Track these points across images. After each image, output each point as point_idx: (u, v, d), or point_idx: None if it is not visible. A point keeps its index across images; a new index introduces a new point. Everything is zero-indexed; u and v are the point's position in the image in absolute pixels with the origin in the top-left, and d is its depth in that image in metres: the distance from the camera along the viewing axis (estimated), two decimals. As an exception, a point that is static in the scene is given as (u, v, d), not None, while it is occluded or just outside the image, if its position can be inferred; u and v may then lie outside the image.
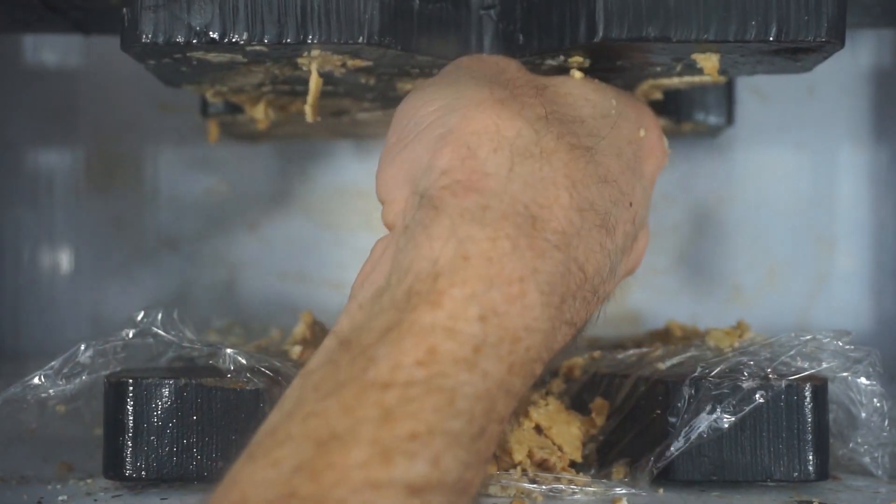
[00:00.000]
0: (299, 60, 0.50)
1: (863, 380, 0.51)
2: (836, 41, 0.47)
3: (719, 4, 0.47)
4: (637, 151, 0.49)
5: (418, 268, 0.40)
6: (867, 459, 0.52)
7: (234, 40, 0.48)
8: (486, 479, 0.48)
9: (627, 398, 0.52)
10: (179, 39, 0.47)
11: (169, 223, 0.83)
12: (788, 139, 0.84)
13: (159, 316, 0.52)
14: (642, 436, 0.51)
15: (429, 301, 0.38)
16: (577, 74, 0.50)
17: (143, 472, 0.49)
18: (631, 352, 0.56)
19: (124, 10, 0.48)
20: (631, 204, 0.47)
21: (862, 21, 0.61)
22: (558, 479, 0.49)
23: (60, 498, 0.49)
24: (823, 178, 0.84)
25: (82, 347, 0.52)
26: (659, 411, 0.50)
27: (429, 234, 0.40)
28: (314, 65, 0.51)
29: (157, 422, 0.49)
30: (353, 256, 0.82)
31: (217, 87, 0.57)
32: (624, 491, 0.49)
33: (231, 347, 0.51)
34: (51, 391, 0.51)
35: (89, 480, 0.52)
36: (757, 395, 0.49)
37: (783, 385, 0.49)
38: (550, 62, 0.51)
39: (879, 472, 0.52)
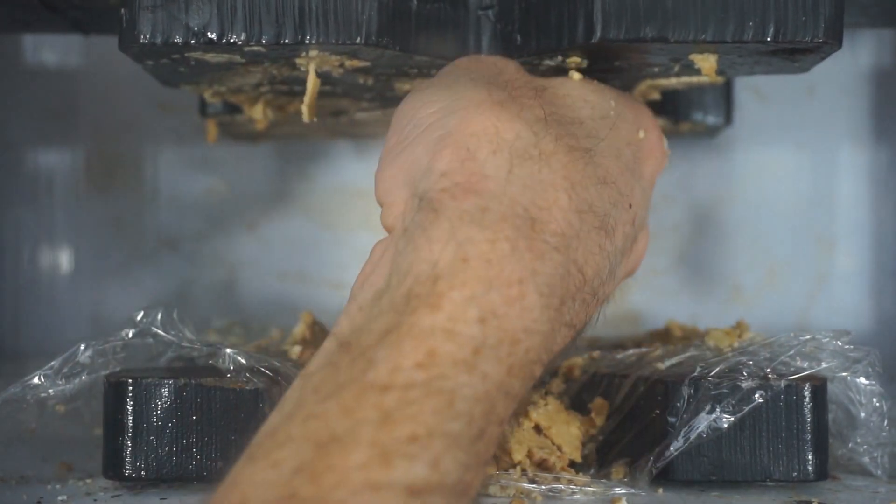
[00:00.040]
0: (297, 61, 0.50)
1: (862, 380, 0.51)
2: (833, 42, 0.47)
3: (717, 5, 0.47)
4: (636, 153, 0.49)
5: (417, 270, 0.40)
6: (866, 459, 0.52)
7: (231, 41, 0.48)
8: (486, 479, 0.48)
9: (627, 398, 0.52)
10: (177, 40, 0.47)
11: (169, 223, 0.83)
12: (788, 139, 0.84)
13: (159, 316, 0.52)
14: (642, 436, 0.51)
15: (428, 303, 0.38)
16: (576, 76, 0.50)
17: (142, 472, 0.49)
18: (630, 352, 0.56)
19: (122, 10, 0.48)
20: (630, 205, 0.47)
21: (861, 21, 0.61)
22: (558, 479, 0.49)
23: (60, 498, 0.49)
24: (823, 178, 0.84)
25: (82, 347, 0.52)
26: (658, 411, 0.50)
27: (428, 237, 0.40)
28: (312, 65, 0.51)
29: (157, 422, 0.49)
30: (353, 256, 0.82)
31: (215, 88, 0.57)
32: (623, 491, 0.49)
33: (231, 347, 0.51)
34: (50, 391, 0.51)
35: (89, 480, 0.52)
36: (756, 395, 0.49)
37: (782, 385, 0.49)
38: (548, 62, 0.51)
39: (879, 472, 0.52)
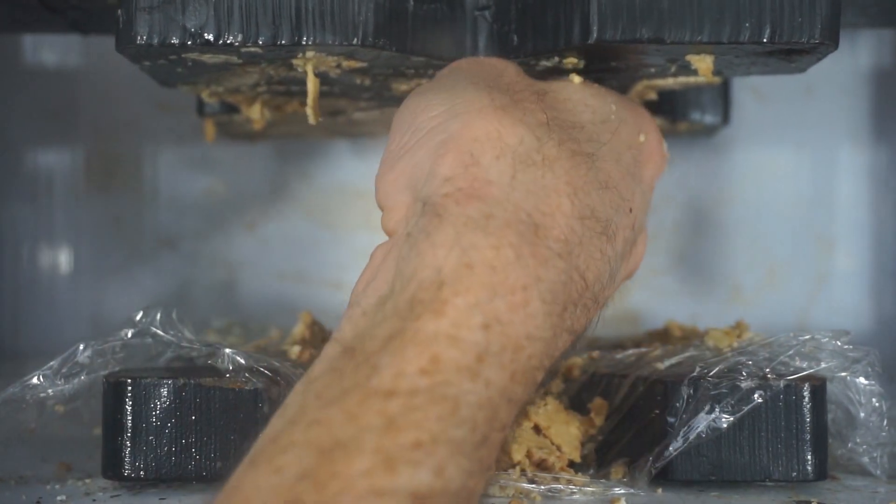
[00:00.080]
0: (294, 61, 0.50)
1: (861, 379, 0.51)
2: (829, 43, 0.47)
3: (713, 6, 0.47)
4: (637, 156, 0.49)
5: (422, 276, 0.40)
6: (866, 459, 0.52)
7: (228, 42, 0.48)
8: (490, 477, 0.48)
9: (626, 398, 0.52)
10: (174, 41, 0.47)
11: (168, 223, 0.83)
12: (788, 139, 0.84)
13: (158, 316, 0.52)
14: (641, 436, 0.51)
15: (432, 310, 0.38)
16: (576, 79, 0.50)
17: (141, 472, 0.49)
18: (630, 352, 0.56)
19: (119, 11, 0.48)
20: (631, 210, 0.47)
21: (860, 21, 0.61)
22: (557, 479, 0.49)
23: (59, 498, 0.49)
24: (823, 178, 0.84)
25: (81, 347, 0.52)
26: (657, 411, 0.50)
27: (432, 242, 0.40)
28: (309, 66, 0.51)
29: (156, 422, 0.49)
30: (353, 256, 0.82)
31: (212, 88, 0.57)
32: (622, 491, 0.49)
33: (230, 347, 0.51)
34: (50, 391, 0.51)
35: (88, 480, 0.52)
36: (755, 395, 0.49)
37: (782, 385, 0.49)
38: (545, 63, 0.51)
39: (878, 472, 0.52)
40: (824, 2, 0.47)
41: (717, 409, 0.49)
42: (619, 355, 0.55)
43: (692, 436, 0.49)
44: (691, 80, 0.55)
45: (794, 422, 0.49)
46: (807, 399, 0.49)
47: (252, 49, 0.48)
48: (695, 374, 0.49)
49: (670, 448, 0.49)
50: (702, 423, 0.49)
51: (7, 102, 0.83)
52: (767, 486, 0.51)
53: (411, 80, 0.56)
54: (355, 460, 0.34)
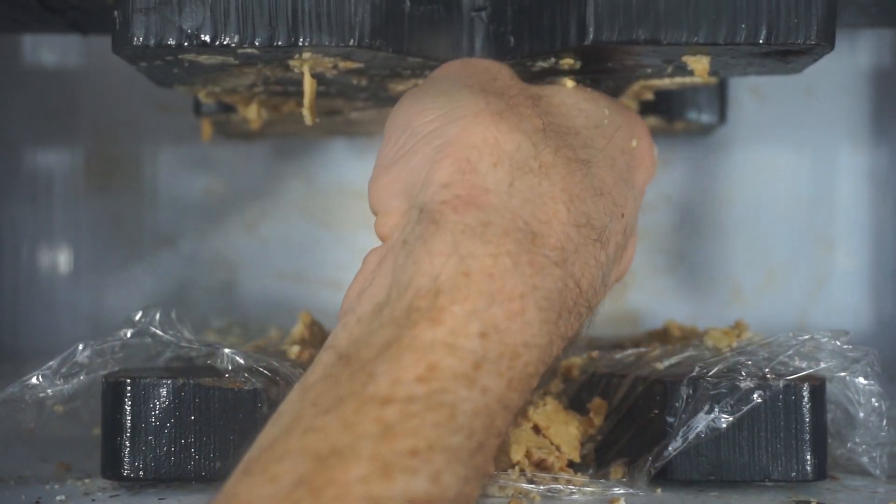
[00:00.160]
0: (291, 62, 0.50)
1: (861, 379, 0.51)
2: (826, 44, 0.47)
3: (709, 7, 0.47)
4: (629, 161, 0.49)
5: (419, 284, 0.40)
6: (865, 459, 0.52)
7: (225, 43, 0.47)
8: (486, 484, 0.48)
9: (625, 398, 0.52)
10: (171, 42, 0.47)
11: (168, 223, 0.83)
12: (788, 139, 0.84)
13: (157, 316, 0.52)
14: (640, 436, 0.51)
15: (429, 317, 0.38)
16: (569, 83, 0.50)
17: (140, 472, 0.49)
18: (629, 352, 0.55)
19: (115, 12, 0.48)
20: (623, 215, 0.47)
21: (860, 21, 0.61)
22: (556, 479, 0.49)
23: (58, 498, 0.49)
24: (823, 178, 0.84)
25: (80, 347, 0.52)
26: (657, 411, 0.50)
27: (429, 250, 0.40)
28: (306, 67, 0.51)
29: (155, 422, 0.49)
30: (352, 256, 0.82)
31: (209, 88, 0.57)
32: (622, 491, 0.49)
33: (229, 347, 0.51)
34: (49, 391, 0.51)
35: (87, 480, 0.52)
36: (755, 395, 0.49)
37: (781, 385, 0.49)
38: (541, 64, 0.51)
39: (877, 472, 0.52)
40: (820, 3, 0.47)
41: (716, 409, 0.49)
42: (619, 355, 0.55)
43: (691, 436, 0.49)
44: (688, 80, 0.55)
45: (793, 422, 0.49)
46: (806, 399, 0.49)
47: (249, 50, 0.48)
48: (694, 374, 0.49)
49: (669, 448, 0.49)
50: (701, 422, 0.49)
51: (7, 102, 0.83)
52: (767, 486, 0.51)
53: (408, 81, 0.56)
54: (352, 467, 0.34)
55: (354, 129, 0.74)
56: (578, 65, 0.51)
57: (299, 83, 0.53)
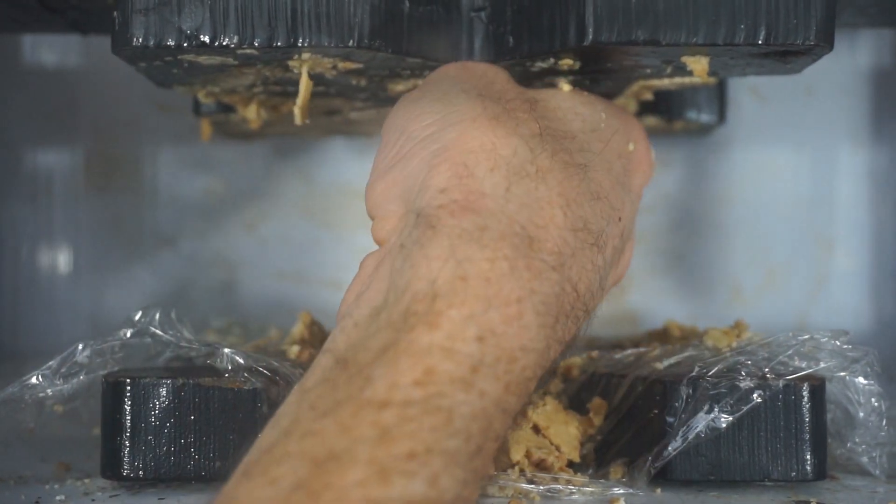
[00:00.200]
0: (290, 63, 0.50)
1: (861, 379, 0.51)
2: (825, 44, 0.47)
3: (708, 8, 0.47)
4: (626, 165, 0.50)
5: (416, 288, 0.40)
6: (865, 459, 0.52)
7: (224, 44, 0.48)
8: (485, 484, 0.48)
9: (625, 398, 0.52)
10: (170, 43, 0.47)
11: (167, 223, 0.83)
12: (787, 139, 0.84)
13: (157, 316, 0.52)
14: (640, 435, 0.51)
15: (426, 322, 0.38)
16: (566, 87, 0.50)
17: (140, 472, 0.49)
18: (629, 351, 0.55)
19: (115, 13, 0.48)
20: (620, 219, 0.47)
21: (860, 21, 0.61)
22: (556, 480, 0.49)
23: (58, 498, 0.49)
24: (823, 178, 0.84)
25: (80, 347, 0.52)
26: (657, 411, 0.50)
27: (426, 254, 0.40)
28: (305, 67, 0.51)
29: (155, 421, 0.49)
30: (352, 256, 0.82)
31: (209, 88, 0.57)
32: (622, 491, 0.49)
33: (229, 347, 0.51)
34: (49, 391, 0.51)
35: (87, 480, 0.52)
36: (754, 395, 0.49)
37: (781, 385, 0.49)
38: (541, 64, 0.51)
39: (877, 472, 0.52)
40: (819, 3, 0.47)
41: (716, 409, 0.49)
42: (619, 355, 0.55)
43: (691, 435, 0.49)
44: (687, 80, 0.55)
45: (793, 422, 0.49)
46: (806, 399, 0.49)
47: (248, 51, 0.48)
48: (694, 373, 0.49)
49: (669, 448, 0.49)
50: (701, 422, 0.49)
51: (7, 102, 0.83)
52: (766, 486, 0.51)
53: (407, 81, 0.56)
54: (349, 471, 0.34)
55: (354, 128, 0.74)
56: (578, 65, 0.51)
57: (298, 83, 0.53)
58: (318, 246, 0.84)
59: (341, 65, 0.51)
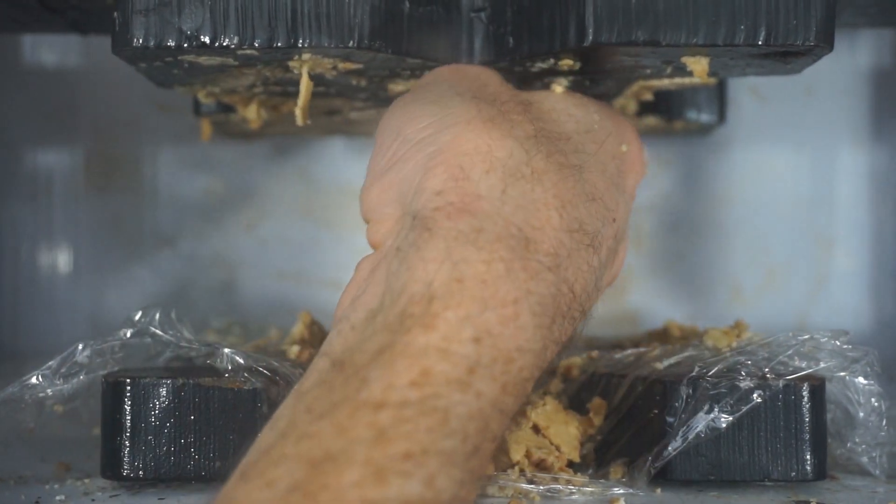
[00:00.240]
0: (290, 63, 0.50)
1: (861, 379, 0.51)
2: (824, 45, 0.47)
3: (708, 9, 0.47)
4: (620, 166, 0.50)
5: (412, 290, 0.40)
6: (865, 459, 0.52)
7: (224, 44, 0.48)
8: (484, 484, 0.48)
9: (625, 398, 0.52)
10: (170, 43, 0.47)
11: (167, 223, 0.83)
12: (788, 139, 0.84)
13: (157, 316, 0.52)
14: (640, 435, 0.51)
15: (423, 323, 0.38)
16: (559, 88, 0.51)
17: (140, 472, 0.49)
18: (629, 351, 0.55)
19: (115, 13, 0.48)
20: (614, 220, 0.47)
21: (860, 21, 0.61)
22: (556, 480, 0.49)
23: (58, 498, 0.49)
24: (822, 178, 0.84)
25: (80, 347, 0.52)
26: (656, 411, 0.50)
27: (422, 257, 0.41)
28: (305, 68, 0.51)
29: (155, 421, 0.49)
30: (352, 256, 0.81)
31: (209, 89, 0.57)
32: (622, 491, 0.49)
33: (229, 347, 0.51)
34: (48, 391, 0.51)
35: (87, 480, 0.52)
36: (754, 395, 0.49)
37: (781, 385, 0.49)
38: (540, 65, 0.51)
39: (877, 472, 0.52)
40: (819, 4, 0.47)
41: (716, 409, 0.49)
42: (618, 355, 0.55)
43: (691, 435, 0.49)
44: (687, 80, 0.55)
45: (793, 422, 0.49)
46: (806, 399, 0.49)
47: (248, 52, 0.48)
48: (694, 373, 0.49)
49: (669, 448, 0.49)
50: (701, 422, 0.49)
51: (7, 102, 0.83)
52: (766, 486, 0.51)
53: (407, 82, 0.56)
54: (345, 472, 0.34)
55: (354, 128, 0.74)
56: (578, 65, 0.51)
57: (298, 83, 0.53)
58: (318, 246, 0.84)
59: (341, 65, 0.51)
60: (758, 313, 0.82)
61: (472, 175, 0.43)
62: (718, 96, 0.71)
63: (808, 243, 0.84)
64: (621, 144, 0.50)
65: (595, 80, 0.53)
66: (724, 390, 0.49)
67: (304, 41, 0.48)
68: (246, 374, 0.50)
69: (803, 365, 0.50)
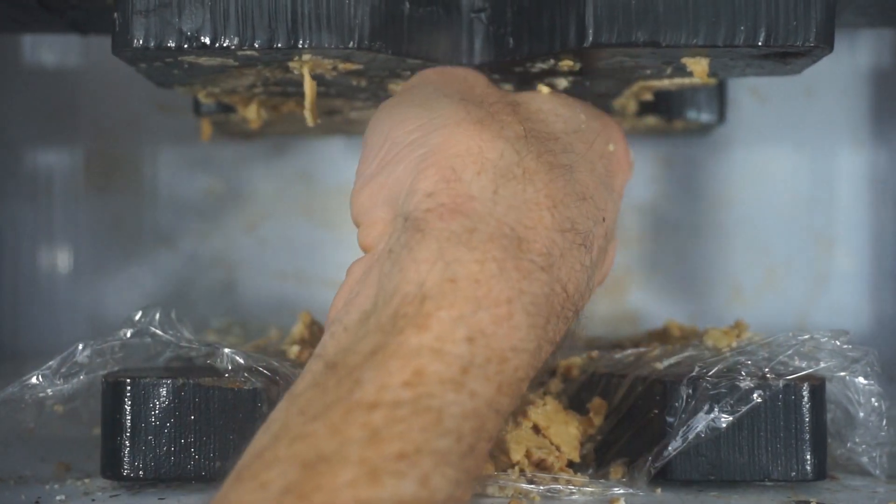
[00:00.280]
0: (290, 64, 0.50)
1: (861, 379, 0.51)
2: (825, 45, 0.47)
3: (708, 10, 0.47)
4: (608, 166, 0.50)
5: (404, 291, 0.40)
6: (865, 459, 0.52)
7: (224, 45, 0.48)
8: (483, 483, 0.48)
9: (625, 398, 0.52)
10: (170, 44, 0.47)
11: (167, 223, 0.83)
12: (788, 139, 0.84)
13: (157, 316, 0.52)
14: (640, 435, 0.51)
15: (415, 324, 0.38)
16: (545, 89, 0.51)
17: (140, 472, 0.49)
18: (629, 351, 0.55)
19: (115, 14, 0.48)
20: (604, 219, 0.47)
21: (860, 21, 0.61)
22: (556, 480, 0.49)
23: (58, 498, 0.49)
24: (822, 179, 0.84)
25: (80, 347, 0.52)
26: (657, 411, 0.50)
27: (414, 258, 0.41)
28: (306, 69, 0.51)
29: (155, 421, 0.49)
30: (352, 256, 0.82)
31: (209, 89, 0.57)
32: (622, 491, 0.49)
33: (229, 347, 0.51)
34: (49, 391, 0.51)
35: (87, 480, 0.52)
36: (755, 395, 0.49)
37: (781, 385, 0.49)
38: (540, 65, 0.52)
39: (877, 472, 0.52)
40: (819, 5, 0.47)
41: (716, 409, 0.49)
42: (618, 355, 0.55)
43: (691, 435, 0.49)
44: (687, 81, 0.55)
45: (793, 421, 0.49)
46: (806, 399, 0.49)
47: (248, 52, 0.48)
48: (694, 373, 0.49)
49: (669, 448, 0.49)
50: (701, 422, 0.49)
51: (7, 102, 0.83)
52: (766, 486, 0.51)
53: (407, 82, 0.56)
54: (339, 473, 0.34)
55: (354, 128, 0.74)
56: (578, 66, 0.51)
57: (299, 84, 0.53)
58: (318, 246, 0.84)
59: (342, 66, 0.51)
60: (758, 313, 0.82)
61: (464, 176, 0.43)
62: (718, 96, 0.71)
63: (807, 243, 0.84)
64: (608, 144, 0.50)
65: (595, 81, 0.53)
66: (724, 390, 0.49)
67: (304, 42, 0.48)
68: (246, 374, 0.50)
69: (803, 365, 0.50)
